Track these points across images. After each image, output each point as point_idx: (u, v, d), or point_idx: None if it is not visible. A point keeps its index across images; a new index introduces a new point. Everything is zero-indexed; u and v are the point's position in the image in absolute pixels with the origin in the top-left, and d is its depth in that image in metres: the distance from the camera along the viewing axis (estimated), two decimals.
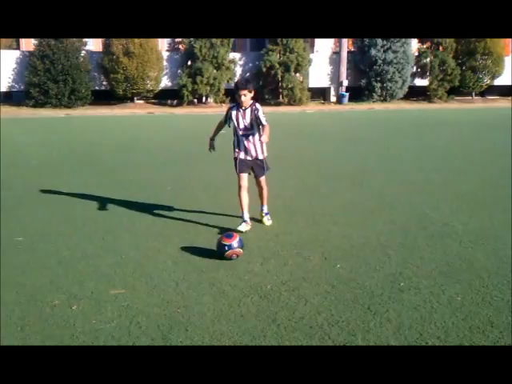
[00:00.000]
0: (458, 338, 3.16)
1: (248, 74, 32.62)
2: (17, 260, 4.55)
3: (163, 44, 35.60)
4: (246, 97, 5.07)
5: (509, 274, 4.16)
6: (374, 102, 31.60)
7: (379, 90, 31.96)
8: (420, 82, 34.41)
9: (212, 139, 5.53)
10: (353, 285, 3.99)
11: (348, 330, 3.28)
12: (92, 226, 5.56)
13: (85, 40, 31.81)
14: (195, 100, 29.52)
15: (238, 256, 4.50)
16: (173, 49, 34.59)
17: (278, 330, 3.29)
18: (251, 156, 5.28)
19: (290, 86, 30.66)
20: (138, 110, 27.31)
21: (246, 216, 5.31)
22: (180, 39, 32.99)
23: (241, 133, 5.21)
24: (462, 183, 7.74)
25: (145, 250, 4.79)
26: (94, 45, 44.41)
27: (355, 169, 9.11)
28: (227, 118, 5.31)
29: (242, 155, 5.27)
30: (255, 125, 5.16)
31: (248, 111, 5.13)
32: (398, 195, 7.05)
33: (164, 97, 29.59)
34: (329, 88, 33.87)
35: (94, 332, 3.26)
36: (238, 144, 5.28)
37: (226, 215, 5.91)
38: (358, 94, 32.24)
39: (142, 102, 29.97)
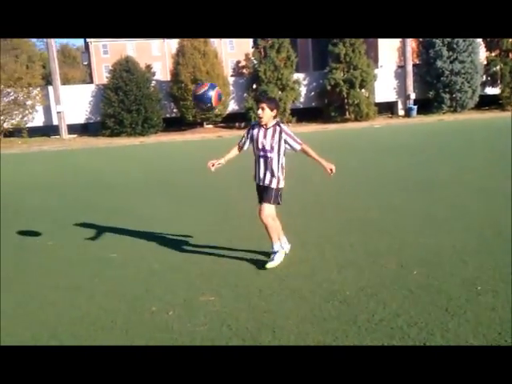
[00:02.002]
0: None
1: (313, 93, 32.98)
2: (114, 273, 5.00)
3: (227, 69, 36.61)
4: (264, 111, 4.56)
5: None
6: (443, 113, 31.02)
7: (448, 101, 31.36)
8: (491, 90, 33.47)
9: (222, 157, 4.88)
10: (430, 289, 4.12)
11: (427, 330, 3.42)
12: (174, 242, 5.96)
13: (153, 70, 33.31)
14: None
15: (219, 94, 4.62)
16: (237, 74, 35.53)
17: (358, 331, 3.49)
18: (262, 182, 4.75)
19: (356, 102, 30.70)
20: (207, 134, 28.21)
21: (277, 246, 4.86)
22: (244, 63, 33.80)
23: (257, 153, 4.72)
24: None
25: (227, 264, 5.11)
26: (161, 74, 46.30)
27: (426, 179, 9.13)
28: (246, 138, 4.81)
29: (256, 179, 4.81)
30: (276, 148, 4.62)
31: (270, 131, 4.61)
32: (471, 203, 7.05)
33: (232, 120, 30.43)
34: (396, 102, 33.61)
35: (191, 334, 3.58)
36: (254, 166, 4.80)
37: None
38: (426, 106, 31.77)
39: (211, 126, 30.95)
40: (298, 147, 4.65)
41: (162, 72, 50.88)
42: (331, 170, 4.59)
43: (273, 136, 4.60)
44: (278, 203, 4.80)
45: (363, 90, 31.10)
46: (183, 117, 29.80)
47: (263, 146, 4.63)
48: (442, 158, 12.07)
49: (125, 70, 28.86)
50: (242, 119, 29.85)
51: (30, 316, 4.05)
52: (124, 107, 28.62)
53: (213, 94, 4.56)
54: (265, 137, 4.62)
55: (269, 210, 4.72)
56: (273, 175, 4.68)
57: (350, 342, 3.36)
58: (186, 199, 8.89)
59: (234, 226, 6.56)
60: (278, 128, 4.62)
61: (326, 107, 31.99)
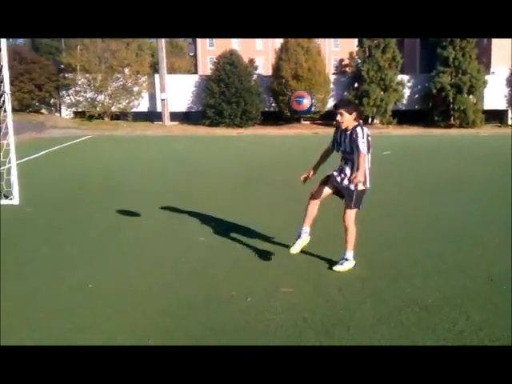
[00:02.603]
0: None
1: (417, 96, 31.97)
2: (201, 256, 5.21)
3: (330, 67, 36.25)
4: (343, 117, 4.59)
5: None
6: None
7: None
8: None
9: (314, 168, 4.96)
10: None
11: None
12: (261, 231, 6.06)
13: (256, 64, 33.85)
14: (361, 121, 29.74)
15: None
16: (340, 72, 35.17)
17: (436, 339, 3.39)
18: (341, 180, 4.72)
19: (462, 108, 29.37)
20: (304, 130, 28.25)
21: (305, 230, 4.86)
22: (348, 62, 33.44)
23: (341, 155, 4.78)
24: None
25: (309, 259, 5.13)
26: (263, 69, 46.91)
27: None
28: (333, 142, 4.85)
29: (335, 172, 4.79)
30: (355, 150, 4.59)
31: (348, 134, 4.64)
32: None
33: (330, 118, 30.17)
34: (506, 111, 31.75)
35: (266, 321, 3.66)
36: (340, 166, 4.80)
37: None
38: None
39: (308, 122, 30.93)
40: (357, 153, 4.56)
41: (264, 66, 51.53)
42: (355, 177, 4.41)
43: (350, 138, 4.60)
44: (359, 207, 4.73)
45: (471, 96, 29.66)
46: (281, 111, 30.00)
47: (344, 149, 4.68)
48: None
49: (228, 63, 29.55)
50: None
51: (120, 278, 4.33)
52: (225, 99, 29.31)
53: (308, 103, 4.86)
54: (344, 140, 4.66)
55: (352, 214, 4.70)
56: (352, 177, 4.55)
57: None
58: (277, 194, 8.99)
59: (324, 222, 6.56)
60: (353, 130, 4.60)
61: (430, 111, 30.85)
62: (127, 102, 30.47)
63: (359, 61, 30.83)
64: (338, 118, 4.62)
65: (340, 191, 4.76)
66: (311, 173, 4.89)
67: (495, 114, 31.28)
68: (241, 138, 22.57)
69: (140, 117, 30.97)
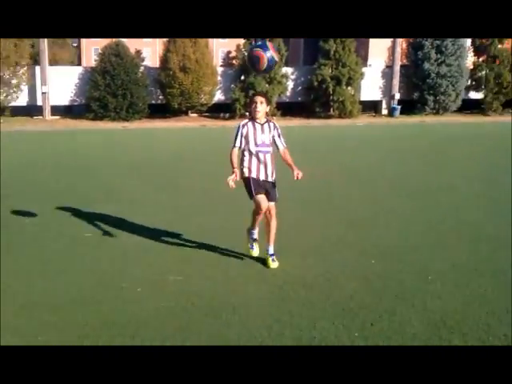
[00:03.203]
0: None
1: (299, 88, 33.22)
2: (87, 251, 5.19)
3: (217, 59, 36.46)
4: (262, 105, 4.59)
5: None
6: (426, 114, 31.46)
7: (432, 103, 31.80)
8: (474, 95, 34.03)
9: (237, 168, 4.68)
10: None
11: (378, 313, 3.68)
12: (152, 221, 6.14)
13: (143, 56, 33.31)
14: (247, 113, 30.30)
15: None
16: (227, 64, 35.53)
17: (314, 312, 3.73)
18: (265, 176, 4.67)
19: (340, 99, 30.97)
20: (191, 122, 28.27)
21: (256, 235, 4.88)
22: (235, 54, 33.88)
23: (256, 149, 4.61)
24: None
25: (197, 249, 5.31)
26: (151, 60, 46.24)
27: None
28: (240, 139, 4.64)
29: (254, 174, 4.63)
30: (277, 142, 4.71)
31: (266, 126, 4.65)
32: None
33: (217, 110, 30.47)
34: (380, 101, 33.96)
35: (156, 310, 3.80)
36: (250, 162, 4.64)
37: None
38: (410, 107, 32.17)
39: (195, 115, 30.99)
40: (282, 148, 4.71)
41: (151, 58, 50.63)
42: (298, 175, 4.56)
43: (269, 131, 4.64)
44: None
45: (349, 88, 31.37)
46: (169, 104, 29.76)
47: (263, 142, 4.60)
48: (419, 157, 12.38)
49: (114, 54, 28.71)
50: (228, 110, 29.96)
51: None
52: (110, 91, 28.47)
53: (270, 53, 4.50)
54: (263, 132, 4.61)
55: (275, 209, 4.71)
56: (270, 168, 4.67)
57: (304, 319, 3.61)
58: (163, 185, 9.06)
59: (206, 214, 6.76)
60: (271, 124, 4.69)
61: (312, 103, 32.22)
62: (5, 95, 28.57)
63: (246, 53, 31.39)
64: (258, 106, 4.57)
65: (266, 189, 4.67)
66: (237, 174, 4.57)
67: (371, 105, 33.32)
68: (126, 132, 22.17)
69: (19, 111, 29.20)
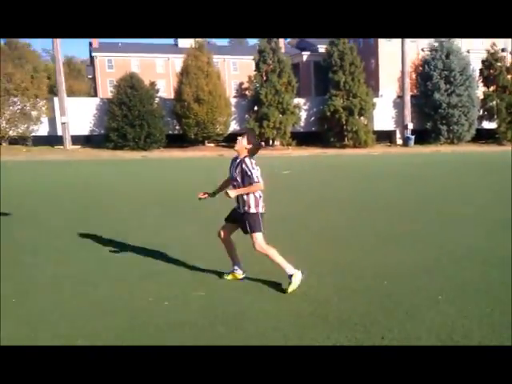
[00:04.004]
0: None
1: (313, 118, 33.72)
2: (113, 269, 5.49)
3: (230, 90, 37.16)
4: (236, 142, 4.83)
5: None
6: (441, 144, 31.71)
7: (446, 133, 32.12)
8: (488, 124, 34.34)
9: (212, 193, 5.10)
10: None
11: (388, 328, 3.91)
12: (160, 251, 6.44)
13: (157, 87, 34.10)
14: (263, 143, 30.92)
15: None
16: (240, 95, 36.24)
17: (331, 328, 3.97)
18: (237, 208, 4.85)
19: (354, 129, 31.40)
20: (208, 152, 28.80)
21: (290, 269, 4.70)
22: (247, 85, 34.56)
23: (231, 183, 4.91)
24: None
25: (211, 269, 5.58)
26: (165, 92, 47.21)
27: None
28: (229, 169, 4.93)
29: (235, 205, 4.90)
30: (241, 178, 4.74)
31: (237, 161, 4.81)
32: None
33: (233, 140, 30.96)
34: (394, 131, 34.35)
35: (183, 321, 4.07)
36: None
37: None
38: (423, 136, 32.50)
39: (212, 144, 31.56)
40: (254, 181, 4.68)
41: (165, 89, 51.72)
42: (226, 192, 4.65)
43: (238, 166, 4.75)
44: (261, 230, 4.72)
45: (362, 118, 31.85)
46: (185, 134, 30.46)
47: (232, 176, 4.82)
48: (433, 185, 12.59)
49: (129, 86, 29.59)
50: None
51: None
52: (127, 121, 29.29)
53: None
54: (234, 166, 4.80)
55: (259, 240, 4.71)
56: (244, 202, 4.75)
57: (319, 333, 3.84)
58: (177, 214, 9.38)
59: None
60: (242, 159, 4.74)
61: (326, 132, 32.73)
62: (26, 126, 29.41)
63: (257, 85, 32.06)
64: (236, 144, 4.81)
65: (239, 221, 4.80)
66: (206, 196, 5.01)
67: (385, 135, 33.70)
68: (146, 161, 22.68)
69: (40, 141, 30.02)
